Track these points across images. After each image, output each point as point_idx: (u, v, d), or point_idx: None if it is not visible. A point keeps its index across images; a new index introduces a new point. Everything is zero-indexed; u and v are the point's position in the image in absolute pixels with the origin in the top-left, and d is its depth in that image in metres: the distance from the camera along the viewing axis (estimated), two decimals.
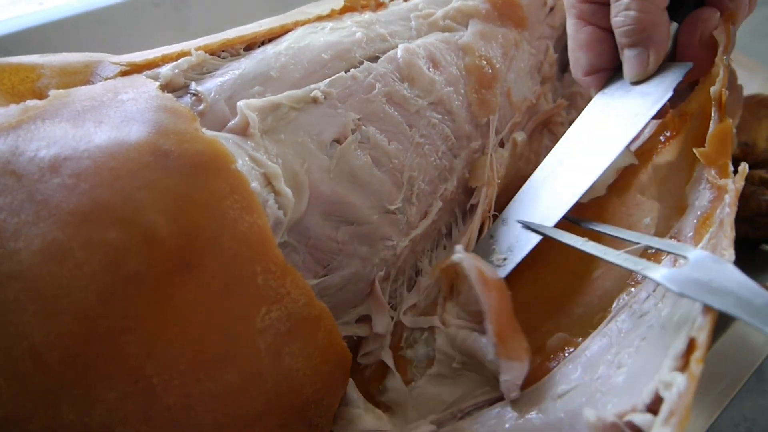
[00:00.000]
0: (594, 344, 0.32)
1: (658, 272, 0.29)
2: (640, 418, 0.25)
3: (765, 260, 0.50)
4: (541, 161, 0.43)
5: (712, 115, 0.35)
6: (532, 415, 0.31)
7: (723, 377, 0.40)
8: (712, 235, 0.31)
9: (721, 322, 0.43)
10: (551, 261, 0.43)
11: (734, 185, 0.32)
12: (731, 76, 0.51)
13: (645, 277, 0.30)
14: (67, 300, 0.24)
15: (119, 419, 0.25)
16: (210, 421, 0.27)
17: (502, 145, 0.47)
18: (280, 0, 0.73)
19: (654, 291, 0.32)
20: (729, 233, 0.30)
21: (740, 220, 0.53)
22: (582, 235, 0.35)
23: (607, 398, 0.28)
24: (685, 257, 0.29)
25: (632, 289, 0.35)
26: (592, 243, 0.33)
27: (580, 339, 0.33)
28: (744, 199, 0.53)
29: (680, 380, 0.24)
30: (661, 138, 0.41)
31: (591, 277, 0.38)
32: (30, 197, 0.25)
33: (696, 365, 0.25)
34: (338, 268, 0.36)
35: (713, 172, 0.34)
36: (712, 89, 0.36)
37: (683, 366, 0.25)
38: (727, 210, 0.31)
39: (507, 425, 0.31)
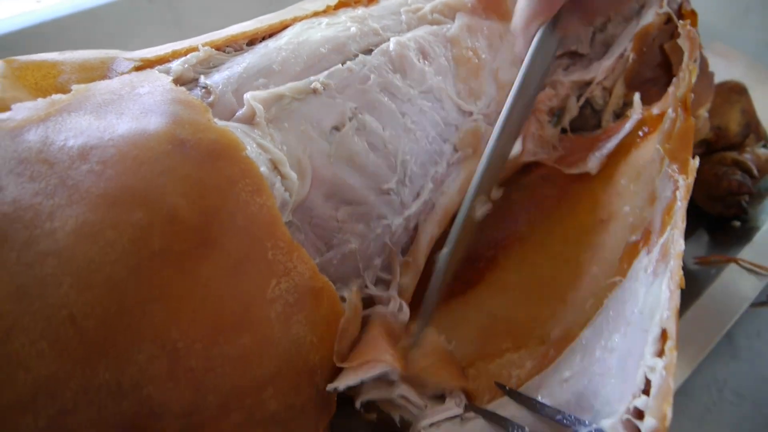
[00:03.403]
0: (589, 332, 0.36)
1: None
2: (640, 402, 0.29)
3: (735, 236, 0.54)
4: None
5: (678, 114, 0.39)
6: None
7: (694, 341, 0.43)
8: (672, 226, 0.35)
9: (694, 289, 0.46)
10: (536, 241, 0.47)
11: (684, 182, 0.36)
12: (702, 63, 0.54)
13: None
14: (99, 274, 0.27)
15: (148, 378, 0.28)
16: (228, 382, 0.30)
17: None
18: None
19: (636, 279, 0.36)
20: (680, 225, 0.34)
21: (714, 199, 0.57)
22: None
23: (606, 380, 0.32)
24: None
25: (619, 279, 0.38)
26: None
27: (578, 330, 0.37)
28: (717, 180, 0.56)
29: (660, 365, 0.29)
30: (640, 133, 0.44)
31: (578, 261, 0.41)
32: (62, 182, 0.28)
33: (670, 353, 0.29)
34: (338, 245, 0.39)
35: (675, 166, 0.37)
36: (678, 92, 0.40)
37: (661, 351, 0.30)
38: (679, 204, 0.35)
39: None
